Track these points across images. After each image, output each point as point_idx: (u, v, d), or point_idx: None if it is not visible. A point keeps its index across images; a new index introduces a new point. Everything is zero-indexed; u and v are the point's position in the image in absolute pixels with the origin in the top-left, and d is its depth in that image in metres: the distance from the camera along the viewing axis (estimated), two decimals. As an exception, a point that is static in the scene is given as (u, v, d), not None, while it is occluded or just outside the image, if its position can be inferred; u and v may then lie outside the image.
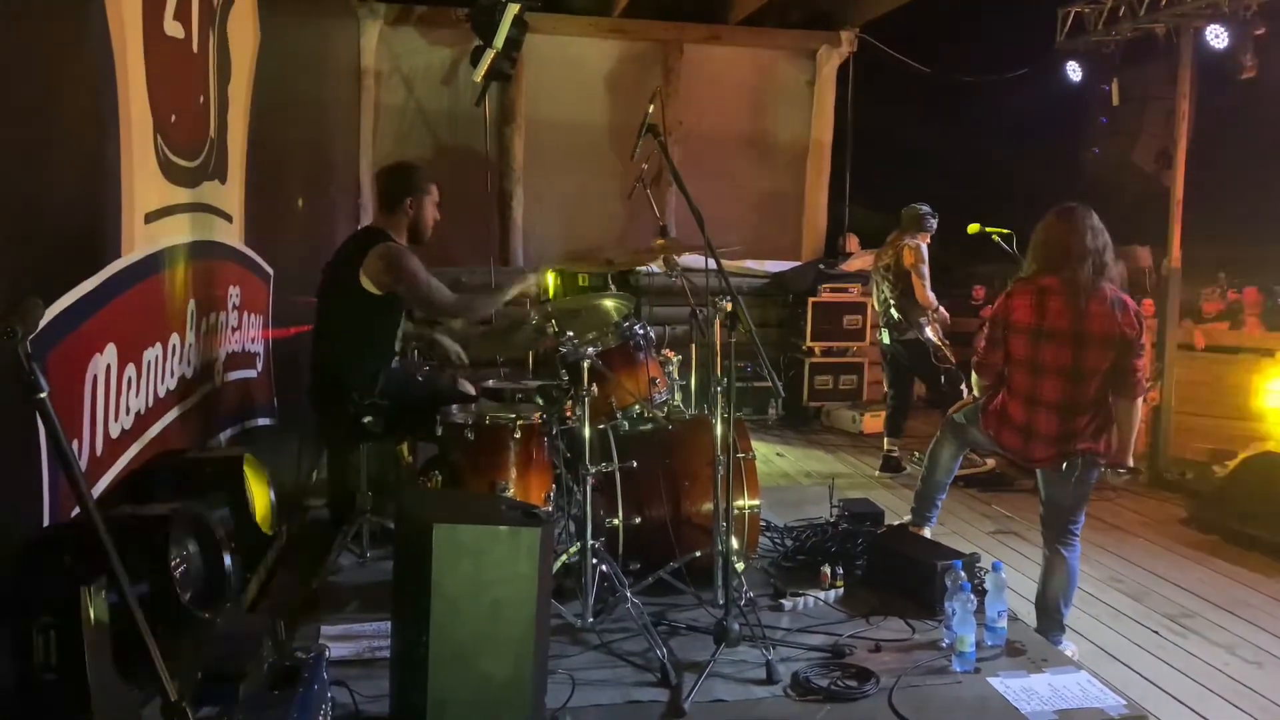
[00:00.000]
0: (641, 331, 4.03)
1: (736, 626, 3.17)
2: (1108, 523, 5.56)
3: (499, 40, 6.94)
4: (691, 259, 5.00)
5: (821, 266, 8.78)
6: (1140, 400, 3.71)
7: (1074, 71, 7.92)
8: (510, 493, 3.52)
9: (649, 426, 4.12)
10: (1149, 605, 4.37)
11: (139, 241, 2.75)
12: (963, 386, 6.14)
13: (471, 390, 4.18)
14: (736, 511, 3.73)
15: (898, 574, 3.85)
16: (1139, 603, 4.40)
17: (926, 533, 4.32)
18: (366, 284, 3.85)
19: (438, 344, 4.59)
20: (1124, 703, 2.99)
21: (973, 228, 5.93)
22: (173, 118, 3.01)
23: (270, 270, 4.39)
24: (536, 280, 4.06)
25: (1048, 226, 3.73)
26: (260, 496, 2.80)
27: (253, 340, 4.19)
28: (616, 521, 3.75)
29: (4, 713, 1.73)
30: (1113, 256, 3.67)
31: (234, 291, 3.86)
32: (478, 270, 7.74)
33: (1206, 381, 7.04)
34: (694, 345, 5.61)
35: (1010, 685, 3.08)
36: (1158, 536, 5.38)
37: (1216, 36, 6.61)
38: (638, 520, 3.79)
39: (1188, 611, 4.30)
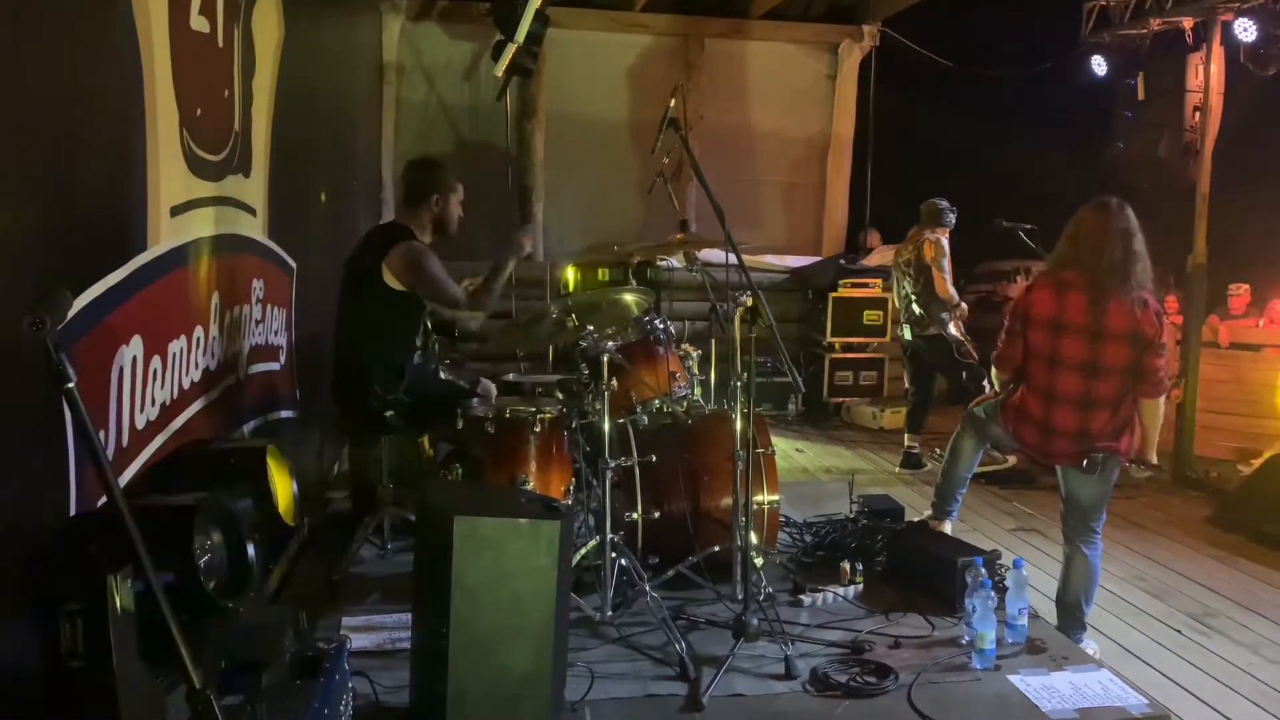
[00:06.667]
0: (661, 326, 4.04)
1: (755, 621, 3.17)
2: (1130, 521, 5.52)
3: (520, 35, 6.93)
4: (712, 254, 5.00)
5: (842, 262, 8.75)
6: (1163, 399, 3.67)
7: (1099, 66, 7.84)
8: (530, 486, 3.53)
9: (668, 421, 4.13)
10: (1172, 604, 4.33)
11: (164, 234, 2.78)
12: (985, 382, 6.11)
13: (493, 390, 4.20)
14: (756, 507, 3.73)
15: (918, 570, 3.83)
16: (1162, 601, 4.36)
17: (947, 527, 4.29)
18: (389, 280, 3.87)
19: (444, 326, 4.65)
20: (1146, 702, 2.96)
21: (997, 223, 5.89)
22: (198, 112, 3.04)
23: (294, 264, 4.42)
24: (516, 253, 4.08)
25: (1080, 220, 3.69)
26: (283, 487, 2.82)
27: (276, 333, 4.22)
28: (636, 516, 3.76)
29: (32, 698, 1.75)
30: (1144, 254, 3.63)
31: (258, 285, 3.89)
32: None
33: (1231, 379, 6.97)
34: (714, 340, 5.60)
35: (1031, 683, 3.06)
36: (1181, 535, 5.33)
37: (1245, 30, 6.53)
38: (657, 515, 3.80)
39: (1211, 611, 4.26)
